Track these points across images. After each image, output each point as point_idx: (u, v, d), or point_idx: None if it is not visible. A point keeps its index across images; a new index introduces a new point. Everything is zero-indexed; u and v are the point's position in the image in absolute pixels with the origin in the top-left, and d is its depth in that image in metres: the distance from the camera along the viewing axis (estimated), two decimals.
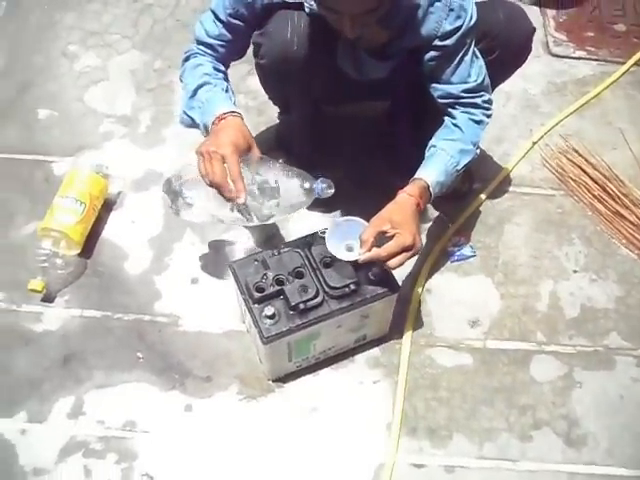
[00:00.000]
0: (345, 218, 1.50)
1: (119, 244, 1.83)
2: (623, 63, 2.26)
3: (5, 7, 2.36)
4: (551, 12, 2.41)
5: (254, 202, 1.43)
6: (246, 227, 1.82)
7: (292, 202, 1.46)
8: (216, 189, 1.38)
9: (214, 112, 1.46)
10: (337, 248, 1.46)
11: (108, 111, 2.10)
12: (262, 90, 1.99)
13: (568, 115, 2.12)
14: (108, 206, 1.88)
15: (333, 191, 1.46)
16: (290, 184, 1.44)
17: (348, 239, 1.47)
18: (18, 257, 1.78)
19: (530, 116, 2.13)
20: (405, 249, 1.42)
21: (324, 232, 1.49)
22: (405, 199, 1.48)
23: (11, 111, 2.10)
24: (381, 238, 1.43)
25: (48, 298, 1.72)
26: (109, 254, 1.81)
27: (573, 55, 2.29)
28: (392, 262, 1.43)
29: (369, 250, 1.41)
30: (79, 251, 1.77)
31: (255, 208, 1.43)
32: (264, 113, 2.05)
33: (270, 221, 1.50)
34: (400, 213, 1.45)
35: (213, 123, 1.45)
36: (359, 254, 1.43)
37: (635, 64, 2.26)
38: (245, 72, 2.11)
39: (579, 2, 2.45)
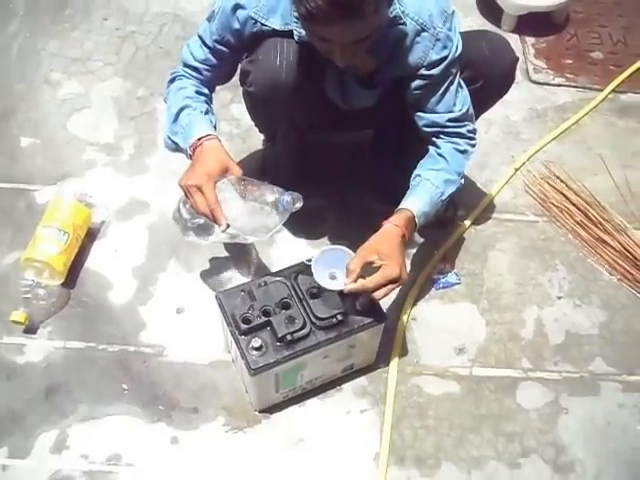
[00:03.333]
0: (331, 247, 1.50)
1: (103, 274, 1.81)
2: (601, 90, 2.30)
3: None
4: (530, 39, 2.46)
5: (240, 223, 1.46)
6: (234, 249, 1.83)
7: (267, 220, 1.47)
8: (210, 220, 1.43)
9: (191, 138, 1.47)
10: (323, 277, 1.46)
11: (91, 139, 2.10)
12: (246, 117, 2.00)
13: (549, 142, 2.15)
14: (92, 235, 1.87)
15: (301, 204, 1.46)
16: (261, 201, 1.45)
17: (334, 268, 1.47)
18: (0, 288, 1.76)
19: (512, 142, 2.16)
20: (391, 281, 1.42)
21: (310, 260, 1.49)
22: (391, 230, 1.49)
23: None
24: (367, 268, 1.43)
25: (31, 329, 1.70)
26: (93, 284, 1.79)
27: (553, 82, 2.33)
28: (378, 293, 1.43)
29: (355, 281, 1.41)
30: (62, 281, 1.75)
31: (243, 228, 1.47)
32: (247, 140, 2.06)
33: (258, 239, 1.54)
34: (386, 244, 1.46)
35: (191, 152, 1.48)
36: (345, 284, 1.43)
37: (613, 91, 2.31)
38: (228, 100, 2.12)
39: (557, 30, 2.50)
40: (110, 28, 2.40)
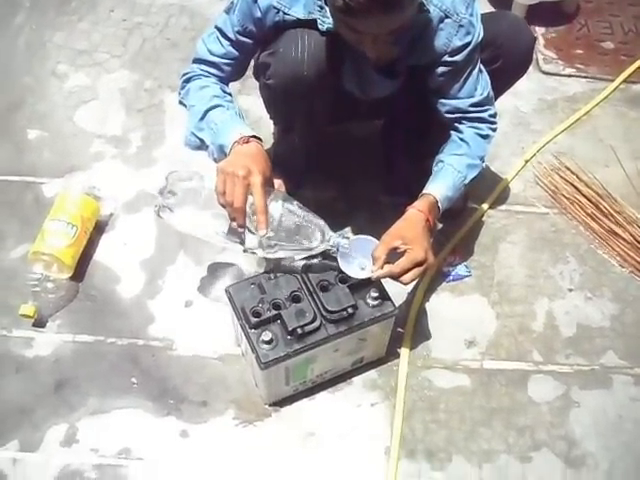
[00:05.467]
0: (356, 237, 1.49)
1: (111, 267, 1.80)
2: (612, 80, 2.28)
3: None
4: (540, 30, 2.43)
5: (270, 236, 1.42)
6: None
7: (303, 247, 1.46)
8: (230, 212, 1.38)
9: (234, 132, 1.44)
10: (349, 266, 1.46)
11: (98, 131, 2.08)
12: (254, 109, 2.01)
13: (560, 133, 2.13)
14: (100, 228, 1.86)
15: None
16: (310, 230, 1.45)
17: (359, 257, 1.47)
18: (8, 281, 1.76)
19: (522, 134, 2.14)
20: (417, 264, 1.43)
21: (335, 251, 1.48)
22: (415, 215, 1.49)
23: (0, 132, 2.07)
24: (393, 254, 1.43)
25: (39, 323, 1.69)
26: (101, 277, 1.78)
27: (563, 72, 2.31)
28: (405, 277, 1.44)
29: (382, 267, 1.42)
30: (71, 274, 1.74)
31: (260, 240, 1.43)
32: (256, 131, 2.01)
33: (268, 256, 1.48)
34: (410, 229, 1.47)
35: (237, 142, 1.43)
36: (372, 271, 1.43)
37: (624, 81, 2.28)
38: (236, 91, 2.09)
39: (567, 20, 2.47)
40: (117, 19, 2.38)
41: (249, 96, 2.08)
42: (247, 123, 1.52)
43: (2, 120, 2.10)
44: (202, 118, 1.50)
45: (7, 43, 2.30)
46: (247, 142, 1.43)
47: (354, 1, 1.24)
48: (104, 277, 1.78)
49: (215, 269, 1.80)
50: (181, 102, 1.59)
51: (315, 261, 1.51)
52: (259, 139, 1.47)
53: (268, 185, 1.43)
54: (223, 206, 1.39)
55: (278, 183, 1.55)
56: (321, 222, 1.46)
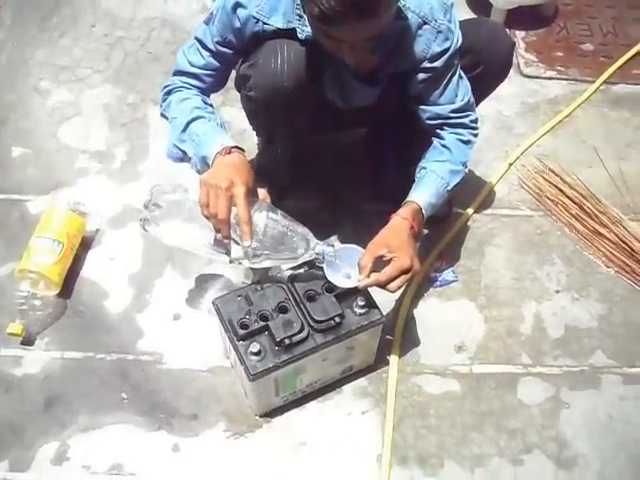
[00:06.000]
0: (341, 246, 1.50)
1: (99, 282, 1.80)
2: (593, 82, 2.30)
3: None
4: (520, 33, 2.45)
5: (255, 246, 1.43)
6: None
7: (289, 256, 1.46)
8: (214, 224, 1.39)
9: (216, 143, 1.44)
10: (336, 276, 1.47)
11: (82, 147, 2.08)
12: (236, 121, 2.02)
13: (542, 135, 2.14)
14: (86, 244, 1.85)
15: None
16: (295, 239, 1.45)
17: (345, 266, 1.48)
18: None
19: (505, 137, 2.15)
20: (403, 272, 1.45)
21: (321, 261, 1.48)
22: (399, 222, 1.50)
23: None
24: (379, 263, 1.44)
25: (28, 341, 1.69)
26: (89, 293, 1.78)
27: (544, 75, 2.33)
28: (391, 286, 1.45)
29: (368, 276, 1.43)
30: (58, 291, 1.74)
31: (245, 251, 1.43)
32: (239, 143, 2.03)
33: (254, 266, 1.49)
34: (395, 237, 1.47)
35: (219, 153, 1.43)
36: (358, 280, 1.44)
37: (604, 82, 2.30)
38: (219, 103, 2.10)
39: (546, 23, 2.50)
40: (98, 35, 2.39)
41: (232, 107, 2.09)
42: (229, 134, 1.52)
43: None
44: (184, 130, 1.50)
45: None
46: (229, 153, 1.44)
47: (330, 9, 1.25)
48: (92, 293, 1.78)
49: (203, 281, 1.79)
50: (163, 115, 1.60)
51: (301, 271, 1.51)
52: (241, 149, 1.47)
53: (252, 195, 1.44)
54: (207, 218, 1.39)
55: (262, 193, 1.56)
56: (306, 231, 1.47)
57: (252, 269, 1.75)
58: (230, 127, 2.06)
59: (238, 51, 1.55)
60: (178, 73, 1.57)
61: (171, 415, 1.59)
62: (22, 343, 1.68)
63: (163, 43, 2.36)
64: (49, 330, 1.71)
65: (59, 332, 1.72)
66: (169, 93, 1.57)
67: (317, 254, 1.45)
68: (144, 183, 1.98)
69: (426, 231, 1.87)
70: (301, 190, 1.79)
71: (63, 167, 2.03)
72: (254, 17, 1.48)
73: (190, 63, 1.55)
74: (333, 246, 1.46)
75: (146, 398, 1.62)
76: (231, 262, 1.47)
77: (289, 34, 1.50)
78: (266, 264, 1.47)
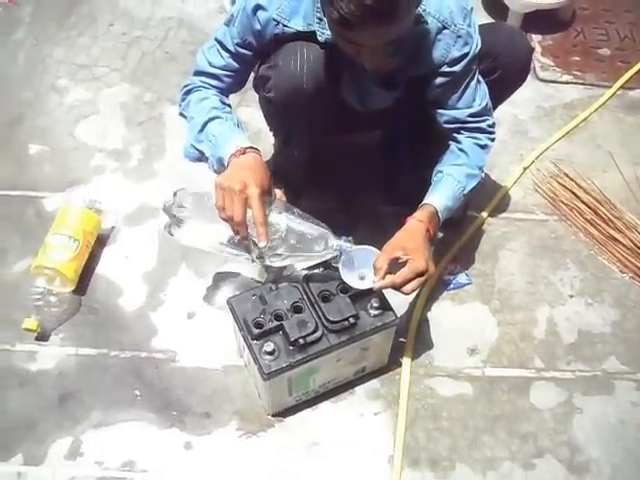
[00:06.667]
0: (357, 247, 1.50)
1: (113, 280, 1.81)
2: (609, 87, 2.29)
3: None
4: (537, 37, 2.45)
5: (272, 246, 1.43)
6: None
7: (308, 254, 1.47)
8: (232, 227, 1.40)
9: (231, 144, 1.45)
10: (351, 277, 1.47)
11: (99, 145, 2.10)
12: (253, 121, 2.03)
13: (558, 140, 2.14)
14: (101, 242, 1.87)
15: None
16: (313, 237, 1.45)
17: (360, 267, 1.48)
18: (11, 295, 1.77)
19: (520, 141, 2.15)
20: (419, 274, 1.45)
21: (337, 262, 1.49)
22: (415, 225, 1.50)
23: (1, 146, 2.09)
24: (394, 265, 1.44)
25: (42, 337, 1.70)
26: (104, 290, 1.79)
27: (560, 80, 2.32)
28: (406, 288, 1.45)
29: (383, 278, 1.43)
30: (73, 288, 1.75)
31: (264, 251, 1.43)
32: (255, 144, 2.03)
33: (275, 265, 1.50)
34: (411, 239, 1.48)
35: (233, 155, 1.44)
36: (373, 282, 1.44)
37: (621, 87, 2.29)
38: (236, 103, 2.10)
39: (563, 27, 2.49)
40: (116, 34, 2.41)
41: (248, 108, 2.09)
42: (246, 134, 1.53)
43: (3, 135, 2.12)
44: (201, 130, 1.51)
45: (7, 58, 2.32)
46: (244, 153, 1.44)
47: (350, 14, 1.25)
48: (106, 290, 1.79)
49: (218, 280, 1.80)
50: (182, 114, 1.61)
51: (316, 271, 1.52)
52: (256, 149, 1.47)
53: (268, 194, 1.44)
54: (225, 220, 1.40)
55: (279, 193, 1.56)
56: (324, 228, 1.47)
57: (266, 269, 1.76)
58: (247, 127, 2.07)
59: (258, 53, 1.56)
60: (198, 73, 1.58)
61: (184, 413, 1.60)
62: (37, 339, 1.70)
63: (180, 43, 2.37)
64: (64, 326, 1.73)
65: (74, 328, 1.73)
66: (188, 93, 1.58)
67: (335, 250, 1.45)
68: (160, 181, 2.00)
69: (441, 234, 1.87)
70: (316, 191, 1.79)
71: (79, 165, 2.05)
72: (274, 19, 1.48)
73: (210, 63, 1.56)
74: (350, 241, 1.46)
75: (159, 396, 1.63)
76: (253, 261, 1.48)
77: (309, 37, 1.50)
78: (286, 262, 1.48)
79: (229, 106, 1.58)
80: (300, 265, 1.54)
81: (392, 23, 1.29)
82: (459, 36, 1.51)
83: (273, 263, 1.47)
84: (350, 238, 1.46)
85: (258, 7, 1.47)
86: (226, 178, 1.40)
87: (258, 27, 1.50)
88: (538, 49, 2.40)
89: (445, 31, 1.50)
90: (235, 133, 1.50)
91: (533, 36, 2.44)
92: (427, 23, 1.48)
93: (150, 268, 1.83)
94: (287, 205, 1.48)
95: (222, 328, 1.67)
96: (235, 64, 1.56)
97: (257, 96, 1.71)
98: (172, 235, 1.50)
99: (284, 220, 1.44)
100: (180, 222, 1.48)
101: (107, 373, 1.66)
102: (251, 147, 1.46)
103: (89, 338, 1.71)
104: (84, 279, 1.79)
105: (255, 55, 1.56)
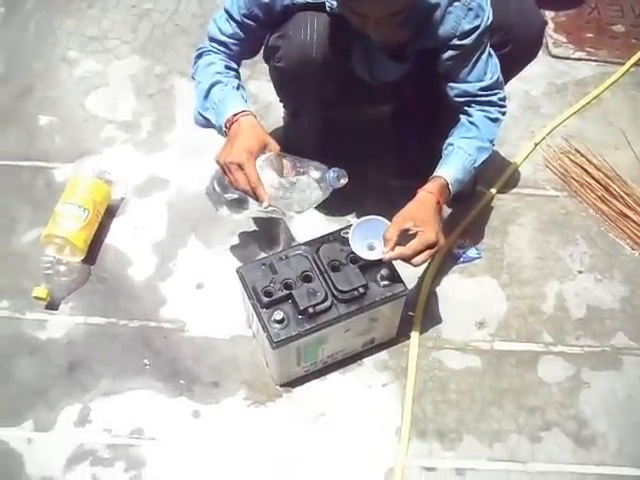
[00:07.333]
0: (367, 217, 1.50)
1: (123, 250, 1.82)
2: (622, 64, 2.27)
3: (4, 14, 2.36)
4: (550, 14, 2.42)
5: (281, 199, 1.46)
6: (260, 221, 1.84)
7: (310, 195, 1.48)
8: (248, 194, 1.43)
9: (227, 113, 1.47)
10: (361, 248, 1.47)
11: (109, 117, 2.10)
12: (263, 94, 2.02)
13: (569, 116, 2.12)
14: (111, 212, 1.87)
15: (346, 181, 1.48)
16: (306, 178, 1.47)
17: (371, 238, 1.48)
18: (21, 264, 1.78)
19: (531, 117, 2.14)
20: (429, 246, 1.44)
21: (346, 232, 1.49)
22: (426, 197, 1.50)
23: (11, 117, 2.09)
24: (404, 236, 1.44)
25: (52, 305, 1.71)
26: (113, 260, 1.80)
27: (573, 56, 2.30)
28: (416, 259, 1.45)
29: (393, 249, 1.43)
30: (83, 258, 1.76)
31: (282, 204, 1.47)
32: (266, 117, 2.04)
33: (297, 214, 1.55)
34: (422, 211, 1.47)
35: (226, 127, 1.47)
36: (383, 253, 1.44)
37: (634, 65, 2.27)
38: (246, 76, 2.10)
39: (577, 3, 2.46)
40: (126, 6, 2.39)
41: (258, 81, 2.09)
42: (245, 94, 1.55)
43: (13, 106, 2.12)
44: (205, 97, 1.53)
45: (18, 30, 2.31)
46: (235, 122, 1.46)
47: None
48: (116, 260, 1.80)
49: (227, 250, 1.81)
50: (193, 77, 1.62)
51: (327, 241, 1.52)
52: (245, 111, 1.47)
53: (263, 152, 1.45)
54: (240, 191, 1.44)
55: (271, 144, 1.54)
56: (317, 164, 1.49)
57: (279, 236, 1.79)
58: (257, 100, 2.09)
59: (264, 25, 1.55)
60: (210, 39, 1.59)
61: (192, 382, 1.61)
62: (47, 307, 1.71)
63: (190, 16, 2.36)
64: (73, 295, 1.73)
65: (83, 297, 1.74)
66: (200, 56, 1.59)
67: (328, 182, 1.47)
68: (170, 153, 2.01)
69: (450, 209, 1.87)
70: (327, 163, 1.78)
71: (90, 136, 2.05)
72: None
73: (220, 30, 1.56)
74: (339, 171, 1.47)
75: (168, 365, 1.64)
76: (284, 214, 1.56)
77: (319, 7, 1.50)
78: (302, 207, 1.50)
79: (234, 70, 1.58)
80: (314, 199, 1.52)
81: None
82: (470, 9, 1.49)
83: (291, 211, 1.51)
84: (340, 170, 1.47)
85: None
86: (220, 154, 1.45)
87: (266, 0, 1.49)
88: (551, 25, 2.37)
89: (456, 3, 1.49)
90: (231, 99, 1.50)
91: (546, 12, 2.40)
92: None
93: (159, 239, 1.83)
94: (279, 157, 1.48)
95: (231, 299, 1.68)
96: (241, 34, 1.56)
97: (267, 69, 1.70)
98: (220, 214, 1.61)
99: (278, 175, 1.46)
100: (221, 202, 1.57)
101: (116, 342, 1.67)
102: (242, 111, 1.47)
103: (98, 307, 1.72)
104: (93, 249, 1.79)
105: (261, 26, 1.55)
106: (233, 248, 1.81)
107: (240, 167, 1.41)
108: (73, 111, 2.10)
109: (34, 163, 1.98)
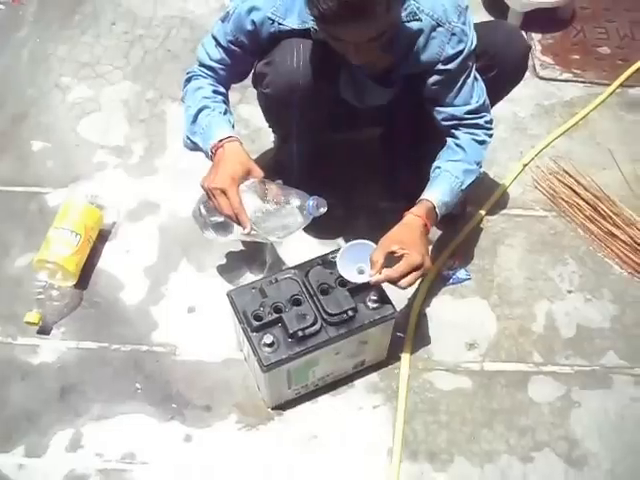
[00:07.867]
0: (355, 242, 1.51)
1: (115, 274, 1.82)
2: (609, 84, 2.29)
3: None
4: (537, 36, 2.45)
5: (262, 225, 1.50)
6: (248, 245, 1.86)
7: (291, 222, 1.52)
8: (232, 220, 1.47)
9: (213, 139, 1.50)
10: (348, 271, 1.48)
11: (101, 142, 2.11)
12: (255, 118, 2.04)
13: (557, 137, 2.14)
14: (103, 237, 1.88)
15: (325, 210, 1.51)
16: (288, 205, 1.50)
17: (358, 262, 1.49)
18: (13, 289, 1.79)
19: (520, 139, 2.15)
20: (415, 268, 1.45)
21: (334, 256, 1.50)
22: (412, 220, 1.51)
23: (4, 143, 2.11)
24: (390, 259, 1.45)
25: (44, 330, 1.71)
26: (105, 285, 1.80)
27: (560, 77, 2.33)
28: (403, 282, 1.45)
29: (379, 271, 1.44)
30: (75, 282, 1.77)
31: (264, 229, 1.51)
32: (257, 141, 2.07)
33: (278, 239, 1.59)
34: (408, 234, 1.48)
35: (212, 152, 1.50)
36: (370, 276, 1.45)
37: (621, 85, 2.30)
38: (237, 100, 2.13)
39: (563, 26, 2.49)
40: (118, 32, 2.42)
41: (249, 105, 2.11)
42: (231, 119, 1.58)
43: (7, 132, 2.14)
44: (193, 121, 1.56)
45: (11, 56, 2.34)
46: (220, 147, 1.50)
47: (327, 9, 1.27)
48: (108, 285, 1.81)
49: (218, 274, 1.82)
50: (182, 100, 1.65)
51: (316, 265, 1.53)
52: (230, 137, 1.51)
53: (246, 176, 1.49)
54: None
55: (256, 171, 1.56)
56: (299, 192, 1.52)
57: (266, 259, 1.82)
58: (248, 124, 2.11)
59: (250, 52, 1.58)
60: (199, 64, 1.62)
61: (184, 406, 1.61)
62: (39, 332, 1.71)
63: (182, 41, 2.39)
64: (65, 320, 1.74)
65: (75, 322, 1.74)
66: (189, 80, 1.62)
67: (308, 212, 1.50)
68: (161, 178, 2.02)
69: (439, 231, 1.88)
70: (316, 187, 1.79)
71: (82, 161, 2.06)
72: (270, 18, 1.51)
73: (208, 55, 1.59)
74: (317, 199, 1.51)
75: (159, 389, 1.64)
76: (266, 240, 1.61)
77: (304, 34, 1.52)
78: (283, 233, 1.55)
79: (222, 94, 1.61)
80: (295, 226, 1.56)
81: (369, 19, 1.30)
82: (453, 34, 1.51)
83: (275, 238, 1.55)
84: (320, 198, 1.51)
85: (253, 8, 1.50)
86: (204, 180, 1.50)
87: (250, 28, 1.52)
88: (538, 47, 2.40)
89: (439, 29, 1.51)
90: (218, 125, 1.53)
91: (533, 34, 2.45)
92: (421, 20, 1.49)
93: (151, 263, 1.84)
94: (262, 184, 1.51)
95: (222, 322, 1.68)
96: (228, 59, 1.58)
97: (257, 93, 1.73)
98: (206, 236, 1.65)
99: (261, 201, 1.49)
100: (207, 225, 1.62)
101: (108, 366, 1.67)
102: (228, 137, 1.50)
103: (90, 332, 1.73)
104: (86, 273, 1.80)
105: (246, 53, 1.58)
106: (224, 271, 1.82)
107: (223, 192, 1.45)
108: (65, 136, 2.12)
109: (27, 188, 2.00)
